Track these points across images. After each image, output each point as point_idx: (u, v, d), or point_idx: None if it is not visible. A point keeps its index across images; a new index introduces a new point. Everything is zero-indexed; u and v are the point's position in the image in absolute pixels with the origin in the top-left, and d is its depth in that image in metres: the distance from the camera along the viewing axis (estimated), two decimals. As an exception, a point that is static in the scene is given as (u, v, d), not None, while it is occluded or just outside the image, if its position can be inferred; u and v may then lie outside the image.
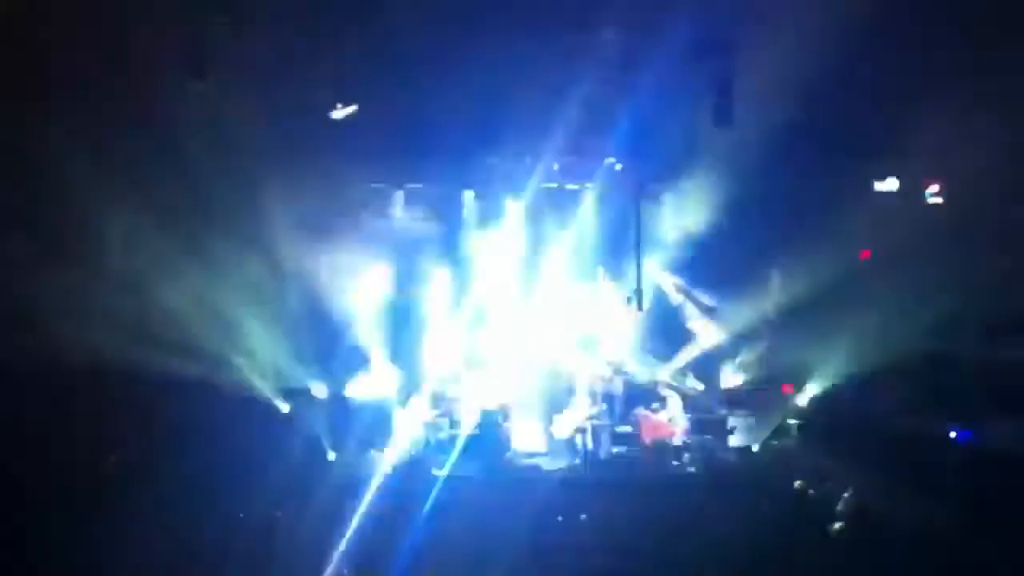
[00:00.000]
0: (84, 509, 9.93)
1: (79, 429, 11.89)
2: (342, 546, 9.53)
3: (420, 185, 15.27)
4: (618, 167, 15.12)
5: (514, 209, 15.97)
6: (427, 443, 14.71)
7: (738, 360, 15.62)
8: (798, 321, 15.02)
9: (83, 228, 13.21)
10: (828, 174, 14.62)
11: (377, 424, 14.77)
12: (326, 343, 15.03)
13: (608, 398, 15.77)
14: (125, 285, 13.37)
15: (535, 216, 16.00)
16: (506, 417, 15.08)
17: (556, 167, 15.38)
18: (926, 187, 14.21)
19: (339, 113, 14.58)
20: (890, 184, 14.34)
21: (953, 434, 13.78)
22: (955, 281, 13.44)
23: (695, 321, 15.92)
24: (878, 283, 14.54)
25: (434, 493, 12.14)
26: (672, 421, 14.85)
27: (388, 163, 15.05)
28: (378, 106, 14.32)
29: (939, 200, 14.02)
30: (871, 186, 14.64)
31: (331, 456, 14.13)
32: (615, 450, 14.86)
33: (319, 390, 14.92)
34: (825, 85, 12.76)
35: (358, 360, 15.15)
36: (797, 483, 11.73)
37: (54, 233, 12.90)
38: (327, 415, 14.48)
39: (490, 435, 14.97)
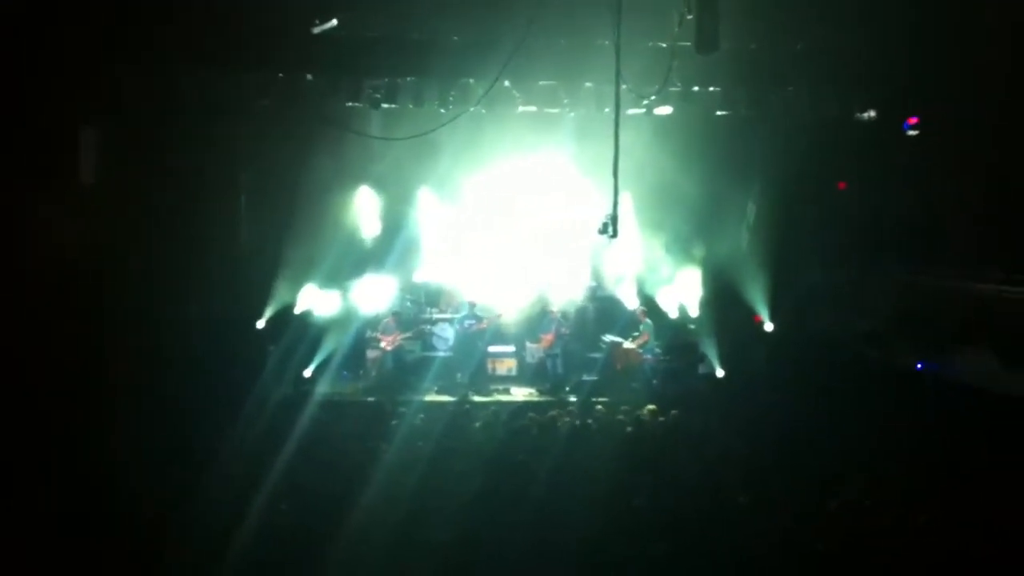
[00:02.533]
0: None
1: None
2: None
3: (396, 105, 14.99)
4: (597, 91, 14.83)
5: (494, 132, 15.75)
6: (398, 364, 14.91)
7: (711, 288, 15.62)
8: (770, 250, 15.08)
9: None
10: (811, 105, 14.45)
11: (349, 345, 14.95)
12: (302, 263, 15.07)
13: (581, 323, 15.92)
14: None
15: (516, 140, 15.82)
16: (480, 339, 15.26)
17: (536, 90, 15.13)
18: (906, 119, 14.00)
19: (319, 28, 14.20)
20: (870, 115, 14.12)
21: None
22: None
23: (670, 249, 15.91)
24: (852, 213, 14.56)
25: (402, 417, 12.33)
26: (643, 348, 15.02)
27: (366, 81, 14.80)
28: (358, 23, 13.99)
29: (916, 132, 13.83)
30: (852, 117, 14.40)
31: (306, 373, 14.42)
32: (585, 377, 15.06)
33: (294, 309, 15.03)
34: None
35: (332, 280, 15.19)
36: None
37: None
38: (300, 334, 14.62)
39: (464, 358, 15.21)
